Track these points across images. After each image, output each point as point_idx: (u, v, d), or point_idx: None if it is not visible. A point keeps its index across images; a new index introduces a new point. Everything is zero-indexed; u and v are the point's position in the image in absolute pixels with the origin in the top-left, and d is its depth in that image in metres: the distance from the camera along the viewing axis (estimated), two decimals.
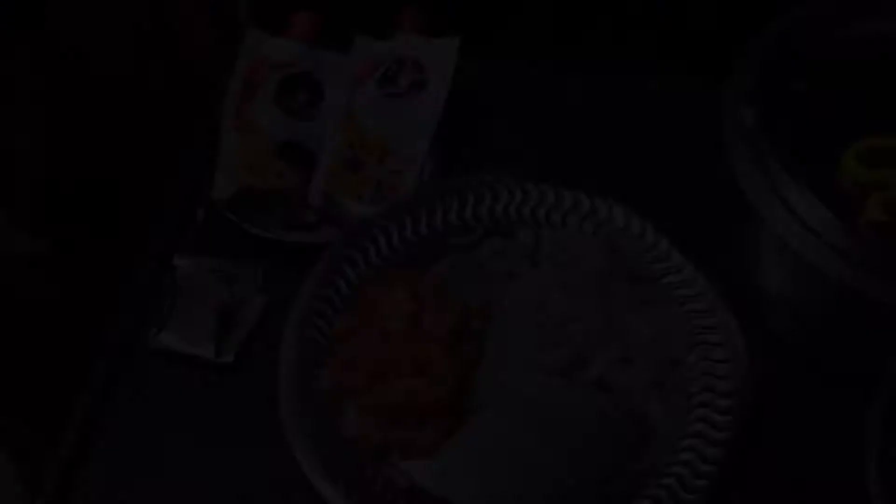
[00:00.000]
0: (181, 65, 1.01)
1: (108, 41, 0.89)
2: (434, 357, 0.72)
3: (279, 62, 0.89)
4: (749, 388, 0.72)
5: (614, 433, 0.73)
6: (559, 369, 0.75)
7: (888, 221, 0.66)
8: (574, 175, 0.90)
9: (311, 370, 0.74)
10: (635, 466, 0.71)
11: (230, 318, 0.79)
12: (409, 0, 0.92)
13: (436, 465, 0.71)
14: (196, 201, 0.88)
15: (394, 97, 0.88)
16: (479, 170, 0.90)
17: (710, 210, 0.87)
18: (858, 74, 0.76)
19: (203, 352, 0.77)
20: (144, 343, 0.78)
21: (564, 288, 0.78)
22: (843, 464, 0.72)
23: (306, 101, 0.89)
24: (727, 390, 0.73)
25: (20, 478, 1.11)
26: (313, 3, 0.93)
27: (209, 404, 0.76)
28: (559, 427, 0.73)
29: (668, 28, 0.98)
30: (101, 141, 0.92)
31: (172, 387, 0.77)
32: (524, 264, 0.81)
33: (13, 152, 0.86)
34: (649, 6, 0.97)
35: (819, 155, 0.71)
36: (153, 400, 0.77)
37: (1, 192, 0.88)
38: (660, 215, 0.86)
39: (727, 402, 0.72)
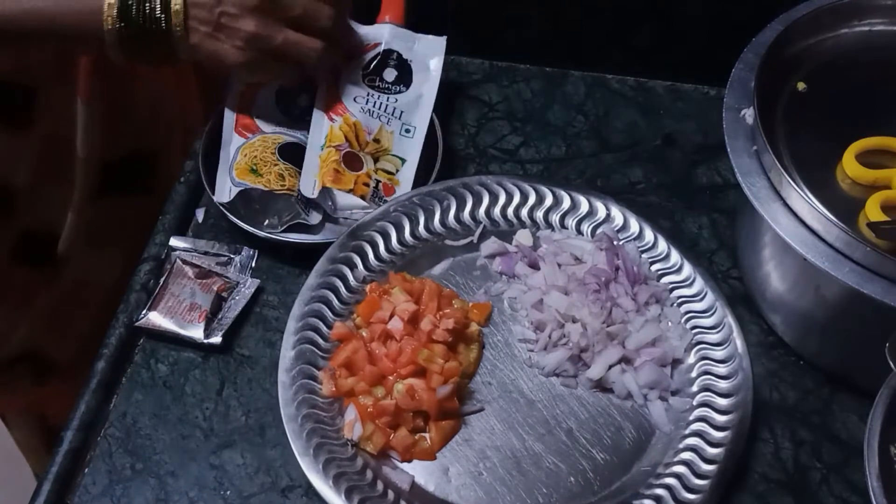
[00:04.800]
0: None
1: None
2: (434, 358, 0.72)
3: None
4: (748, 389, 0.72)
5: (615, 433, 0.73)
6: (559, 369, 0.75)
7: (888, 221, 0.66)
8: (573, 176, 0.90)
9: (311, 373, 0.74)
10: (636, 466, 0.71)
11: (221, 300, 0.80)
12: None
13: (436, 466, 0.72)
14: (197, 202, 0.88)
15: (381, 91, 0.88)
16: (478, 171, 0.90)
17: (710, 210, 0.87)
18: (858, 74, 0.76)
19: (192, 333, 0.78)
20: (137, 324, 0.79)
21: (564, 288, 0.78)
22: (844, 463, 0.73)
23: (306, 104, 0.89)
24: (727, 390, 0.73)
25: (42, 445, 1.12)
26: None
27: (209, 402, 0.76)
28: (559, 427, 0.73)
29: (668, 28, 0.98)
30: (140, 118, 0.95)
31: (170, 380, 0.77)
32: (523, 265, 0.81)
33: (75, 132, 0.88)
34: (649, 7, 0.97)
35: (819, 155, 0.71)
36: (153, 391, 0.77)
37: (61, 171, 0.90)
38: (659, 215, 0.86)
39: (726, 401, 0.72)
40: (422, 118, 0.87)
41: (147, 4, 0.74)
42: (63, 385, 0.84)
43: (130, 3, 0.74)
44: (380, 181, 0.84)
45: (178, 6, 0.75)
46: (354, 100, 0.87)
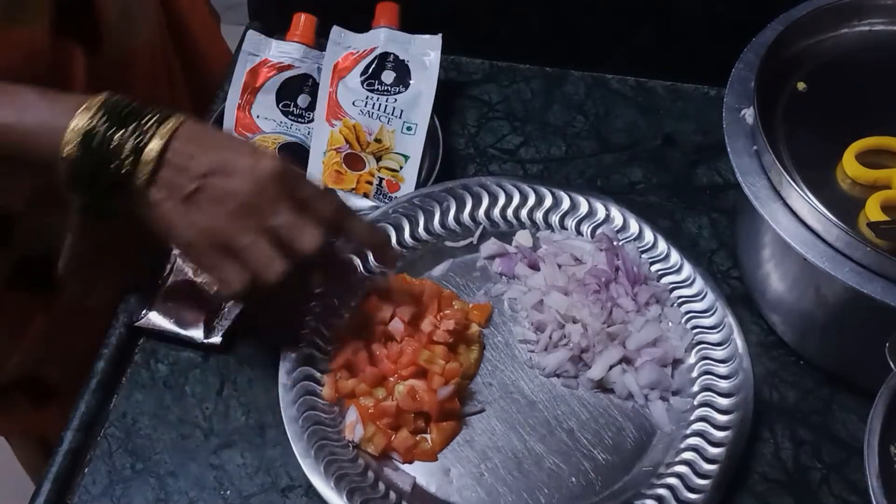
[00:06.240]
0: (197, 73, 1.03)
1: (147, 57, 0.92)
2: (435, 359, 0.72)
3: (279, 64, 0.89)
4: (749, 388, 0.72)
5: (616, 434, 0.73)
6: (560, 370, 0.75)
7: (888, 221, 0.67)
8: (573, 176, 0.90)
9: (313, 374, 0.74)
10: (638, 466, 0.71)
11: (222, 301, 0.79)
12: None
13: (438, 467, 0.71)
14: None
15: (380, 94, 0.88)
16: (478, 171, 0.90)
17: (710, 210, 0.87)
18: (858, 74, 0.76)
19: (192, 333, 0.78)
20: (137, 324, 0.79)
21: (564, 289, 0.78)
22: (844, 463, 0.73)
23: (306, 104, 0.89)
24: (728, 390, 0.73)
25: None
26: (313, 5, 0.93)
27: (209, 402, 0.76)
28: (560, 428, 0.73)
29: (668, 28, 0.98)
30: None
31: (169, 380, 0.77)
32: (523, 266, 0.81)
33: None
34: (649, 7, 0.97)
35: (819, 155, 0.71)
36: (153, 391, 0.77)
37: (59, 192, 0.88)
38: (659, 215, 0.86)
39: (727, 401, 0.72)
40: (423, 115, 0.87)
41: (116, 134, 0.65)
42: (62, 408, 0.84)
43: (95, 131, 0.65)
44: (383, 179, 0.85)
45: (153, 153, 0.65)
46: (353, 104, 0.87)
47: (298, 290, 0.70)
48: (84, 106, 0.66)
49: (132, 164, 0.66)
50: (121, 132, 0.65)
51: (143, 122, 0.66)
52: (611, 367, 0.74)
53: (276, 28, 0.94)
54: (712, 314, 0.77)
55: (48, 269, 0.91)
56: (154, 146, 0.65)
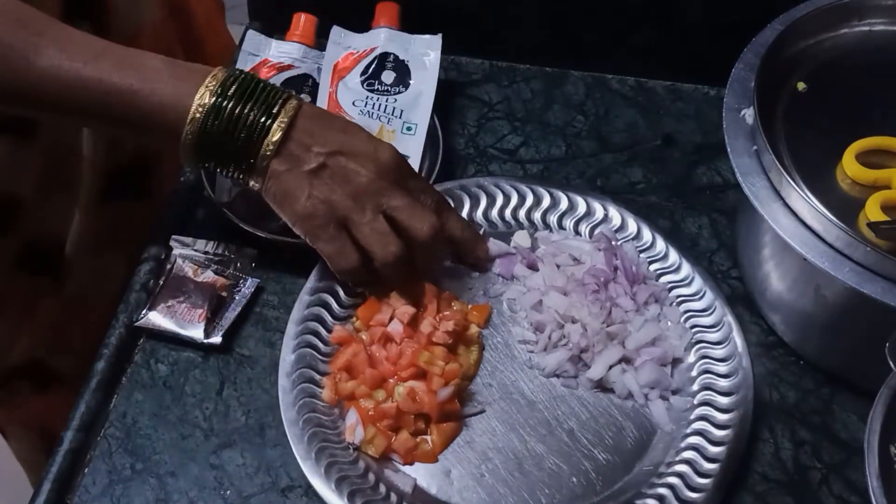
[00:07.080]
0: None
1: (152, 39, 0.92)
2: (434, 360, 0.72)
3: (279, 64, 0.89)
4: (749, 386, 0.72)
5: (616, 433, 0.73)
6: (559, 370, 0.75)
7: (888, 221, 0.67)
8: (573, 176, 0.90)
9: (312, 376, 0.74)
10: (638, 465, 0.71)
11: (221, 300, 0.80)
12: None
13: (438, 468, 0.71)
14: (197, 202, 0.88)
15: (380, 94, 0.88)
16: (478, 171, 0.90)
17: (710, 210, 0.87)
18: (858, 74, 0.76)
19: (192, 333, 0.78)
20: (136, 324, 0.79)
21: (563, 289, 0.78)
22: (844, 463, 0.73)
23: None
24: (728, 388, 0.73)
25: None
26: (313, 5, 0.93)
27: (209, 402, 0.76)
28: (560, 428, 0.73)
29: (668, 28, 0.98)
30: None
31: (169, 380, 0.77)
32: (522, 266, 0.81)
33: (80, 138, 0.88)
34: (649, 7, 0.97)
35: (819, 155, 0.71)
36: (153, 391, 0.77)
37: (66, 179, 0.89)
38: (659, 215, 0.86)
39: (727, 400, 0.72)
40: (422, 115, 0.87)
41: (245, 109, 0.69)
42: (66, 397, 0.85)
43: (225, 105, 0.68)
44: None
45: (280, 128, 0.69)
46: (353, 104, 0.87)
47: (400, 275, 0.74)
48: (210, 78, 0.69)
49: (260, 138, 0.69)
50: (248, 106, 0.69)
51: (270, 98, 0.70)
52: (610, 367, 0.74)
53: (276, 28, 0.94)
54: (711, 313, 0.77)
55: (55, 253, 0.91)
56: (281, 122, 0.69)
